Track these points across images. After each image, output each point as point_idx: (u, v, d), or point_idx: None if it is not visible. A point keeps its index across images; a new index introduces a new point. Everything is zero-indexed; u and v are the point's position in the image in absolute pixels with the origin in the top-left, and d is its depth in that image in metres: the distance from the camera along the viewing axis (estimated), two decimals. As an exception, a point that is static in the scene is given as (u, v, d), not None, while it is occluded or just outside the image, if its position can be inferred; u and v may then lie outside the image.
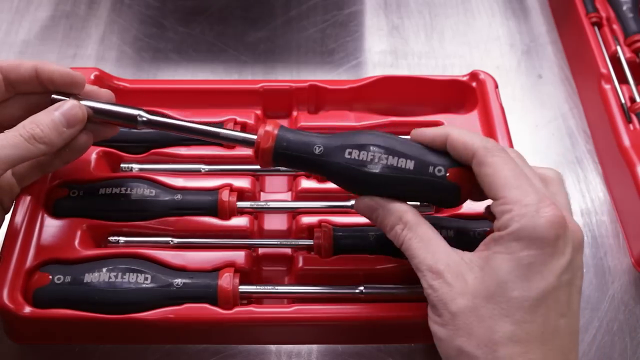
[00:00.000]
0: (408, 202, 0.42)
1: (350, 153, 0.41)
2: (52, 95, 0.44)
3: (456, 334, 0.36)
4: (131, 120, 0.45)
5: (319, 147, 0.41)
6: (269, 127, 0.42)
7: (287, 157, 0.42)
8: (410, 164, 0.40)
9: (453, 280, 0.37)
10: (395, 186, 0.41)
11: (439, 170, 0.40)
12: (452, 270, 0.37)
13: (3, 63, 0.45)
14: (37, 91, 0.45)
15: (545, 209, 0.36)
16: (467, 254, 0.38)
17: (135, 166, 0.53)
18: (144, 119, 0.45)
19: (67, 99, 0.44)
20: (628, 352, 0.50)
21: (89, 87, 0.46)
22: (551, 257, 0.35)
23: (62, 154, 0.45)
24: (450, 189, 0.40)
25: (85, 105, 0.44)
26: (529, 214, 0.35)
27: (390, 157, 0.40)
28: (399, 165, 0.40)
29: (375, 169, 0.40)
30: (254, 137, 0.43)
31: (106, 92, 0.47)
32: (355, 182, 0.41)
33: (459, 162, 0.40)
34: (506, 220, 0.36)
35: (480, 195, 0.40)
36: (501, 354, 0.34)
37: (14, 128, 0.42)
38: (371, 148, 0.41)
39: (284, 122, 0.58)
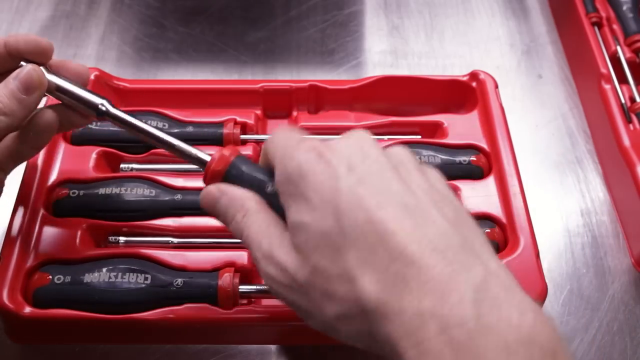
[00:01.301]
0: None
1: None
2: (21, 63, 0.42)
3: (317, 307, 0.33)
4: (92, 107, 0.42)
5: (272, 185, 0.37)
6: (225, 152, 0.39)
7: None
8: None
9: (286, 258, 0.34)
10: None
11: None
12: (285, 251, 0.35)
13: None
14: (12, 68, 0.43)
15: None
16: None
17: (135, 166, 0.53)
18: (104, 109, 0.42)
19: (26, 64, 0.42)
20: (628, 352, 0.50)
21: (60, 60, 0.44)
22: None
23: (29, 138, 0.43)
24: None
25: (50, 80, 0.42)
26: None
27: None
28: None
29: None
30: (208, 158, 0.40)
31: (79, 66, 0.44)
32: None
33: None
34: None
35: None
36: (359, 283, 0.31)
37: None
38: None
39: (284, 122, 0.59)
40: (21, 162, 0.46)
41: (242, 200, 0.37)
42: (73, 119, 0.44)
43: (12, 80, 0.41)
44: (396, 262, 0.30)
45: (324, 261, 0.32)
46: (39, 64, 0.43)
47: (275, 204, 0.37)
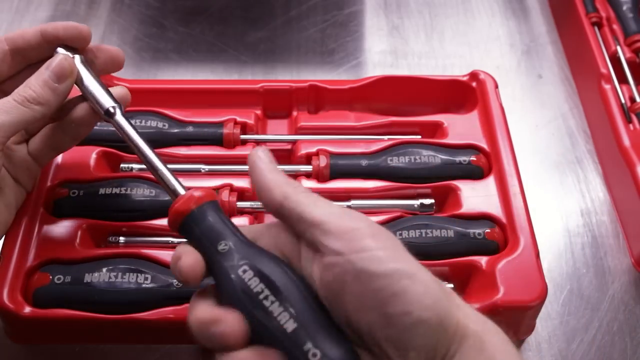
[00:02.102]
0: None
1: (244, 272, 0.34)
2: (57, 49, 0.44)
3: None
4: (101, 107, 0.43)
5: (226, 244, 0.35)
6: (196, 194, 0.37)
7: (192, 235, 0.36)
8: (290, 325, 0.33)
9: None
10: (261, 333, 0.34)
11: (314, 354, 0.32)
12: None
13: (8, 34, 0.44)
14: (48, 57, 0.44)
15: None
16: None
17: (135, 166, 0.53)
18: (112, 111, 0.43)
19: (60, 52, 0.43)
20: (628, 352, 0.50)
21: (97, 45, 0.45)
22: None
23: (70, 129, 0.45)
24: None
25: (78, 72, 0.43)
26: None
27: (277, 304, 0.33)
28: (280, 318, 0.33)
29: (253, 306, 0.34)
30: (183, 192, 0.38)
31: (114, 50, 0.46)
32: (229, 304, 0.34)
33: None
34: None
35: None
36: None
37: (9, 95, 0.42)
38: (264, 279, 0.34)
39: (284, 122, 0.59)
40: (59, 153, 0.48)
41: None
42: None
43: (45, 70, 0.42)
44: None
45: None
46: (72, 52, 0.44)
47: (220, 266, 0.35)
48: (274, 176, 0.36)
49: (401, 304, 0.32)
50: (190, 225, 0.36)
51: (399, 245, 0.34)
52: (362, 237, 0.33)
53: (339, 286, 0.33)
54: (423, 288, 0.32)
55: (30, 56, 0.44)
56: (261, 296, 0.34)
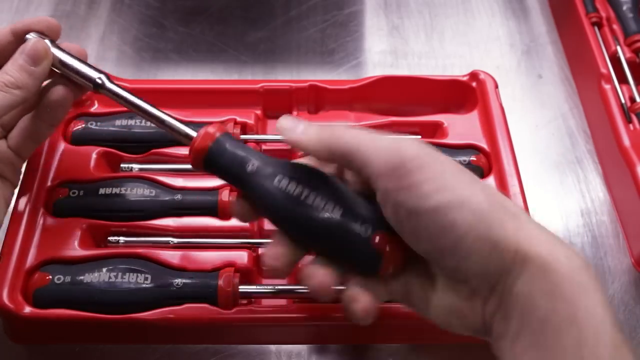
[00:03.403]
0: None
1: (280, 181, 0.37)
2: (27, 35, 0.44)
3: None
4: (89, 80, 0.44)
5: (253, 164, 0.38)
6: (211, 129, 0.39)
7: (219, 165, 0.39)
8: (337, 212, 0.37)
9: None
10: (314, 229, 0.37)
11: (366, 230, 0.37)
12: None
13: None
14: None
15: None
16: None
17: (135, 166, 0.53)
18: (100, 82, 0.43)
19: (32, 36, 0.44)
20: (628, 352, 0.50)
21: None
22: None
23: (45, 115, 0.45)
24: (371, 255, 0.37)
25: (53, 54, 0.44)
26: None
27: (319, 198, 0.37)
28: (325, 209, 0.37)
29: (299, 207, 0.37)
30: (195, 134, 0.40)
31: (77, 48, 0.46)
32: (276, 215, 0.38)
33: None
34: None
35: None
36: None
37: None
38: (301, 182, 0.37)
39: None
40: (39, 143, 0.47)
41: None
42: (77, 89, 0.45)
43: (20, 55, 0.43)
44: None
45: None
46: (43, 37, 0.44)
47: (254, 183, 0.38)
48: (307, 137, 0.37)
49: (451, 236, 0.33)
50: (214, 158, 0.39)
51: (450, 171, 0.35)
52: (407, 173, 0.34)
53: (395, 219, 0.35)
54: (471, 216, 0.33)
55: (2, 56, 0.44)
56: (302, 196, 0.37)
